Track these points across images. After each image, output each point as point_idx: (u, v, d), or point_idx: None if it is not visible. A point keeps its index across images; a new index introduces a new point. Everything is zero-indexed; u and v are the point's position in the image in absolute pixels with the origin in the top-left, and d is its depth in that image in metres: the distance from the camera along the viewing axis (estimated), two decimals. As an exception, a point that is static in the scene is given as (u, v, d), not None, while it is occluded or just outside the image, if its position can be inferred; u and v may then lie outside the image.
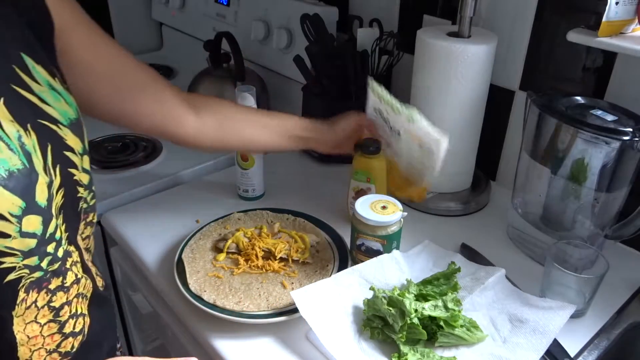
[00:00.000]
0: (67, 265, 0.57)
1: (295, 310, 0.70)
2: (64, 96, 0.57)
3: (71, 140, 0.56)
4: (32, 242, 0.50)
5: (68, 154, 0.56)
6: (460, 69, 0.87)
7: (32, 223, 0.50)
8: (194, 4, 1.57)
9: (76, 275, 0.58)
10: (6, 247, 0.48)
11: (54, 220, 0.53)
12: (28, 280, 0.52)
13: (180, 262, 0.81)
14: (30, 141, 0.51)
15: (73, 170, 0.57)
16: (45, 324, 0.55)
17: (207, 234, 0.87)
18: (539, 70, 0.94)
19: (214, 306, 0.73)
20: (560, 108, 0.78)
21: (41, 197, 0.50)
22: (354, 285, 0.75)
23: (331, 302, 0.72)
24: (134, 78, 0.72)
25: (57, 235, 0.54)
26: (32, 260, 0.51)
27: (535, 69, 0.94)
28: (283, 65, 1.30)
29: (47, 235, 0.52)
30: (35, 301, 0.53)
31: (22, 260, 0.50)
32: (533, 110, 0.81)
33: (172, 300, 0.79)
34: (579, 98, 0.81)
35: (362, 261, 0.79)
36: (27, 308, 0.53)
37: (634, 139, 0.71)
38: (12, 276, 0.50)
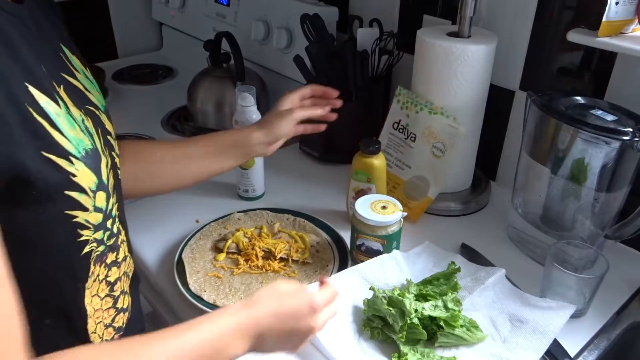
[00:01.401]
0: (119, 242, 0.61)
1: (295, 310, 0.70)
2: (95, 84, 0.61)
3: (108, 125, 0.61)
4: (100, 217, 0.54)
5: (109, 137, 0.61)
6: (460, 69, 0.87)
7: (101, 199, 0.54)
8: (194, 4, 1.57)
9: (124, 252, 0.63)
10: (85, 220, 0.52)
11: (111, 198, 0.57)
12: (95, 254, 0.56)
13: (180, 262, 0.81)
14: (89, 124, 0.54)
15: (114, 153, 0.61)
16: (103, 297, 0.59)
17: (207, 234, 0.87)
18: (539, 70, 0.94)
19: (214, 306, 0.73)
20: (560, 108, 0.78)
21: (104, 175, 0.55)
22: (354, 285, 0.75)
23: (331, 302, 0.72)
24: None
25: (114, 212, 0.58)
26: (99, 234, 0.55)
27: (535, 69, 0.94)
28: (283, 65, 1.30)
29: (108, 211, 0.56)
30: (98, 275, 0.57)
31: (93, 234, 0.54)
32: (533, 110, 0.81)
33: (172, 300, 0.79)
34: (579, 98, 0.81)
35: (362, 261, 0.79)
36: (94, 281, 0.57)
37: (634, 139, 0.71)
38: (87, 249, 0.54)
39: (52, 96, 0.49)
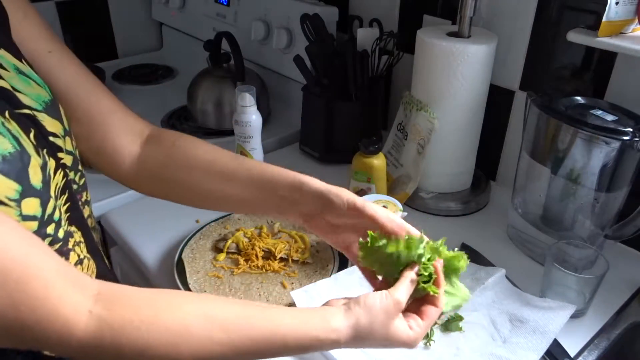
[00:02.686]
0: (70, 246, 0.56)
1: (295, 310, 0.70)
2: (33, 78, 0.55)
3: (50, 124, 0.55)
4: (33, 225, 0.49)
5: (52, 139, 0.55)
6: (460, 69, 0.87)
7: (31, 206, 0.49)
8: (194, 4, 1.57)
9: (79, 255, 0.57)
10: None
11: (52, 201, 0.52)
12: None
13: (180, 262, 0.81)
14: (13, 127, 0.50)
15: (59, 154, 0.56)
16: None
17: (207, 234, 0.87)
18: (539, 70, 0.94)
19: (214, 306, 0.73)
20: (560, 108, 0.78)
21: (35, 179, 0.49)
22: (354, 285, 0.75)
23: (331, 302, 0.72)
24: (77, 90, 0.64)
25: (56, 216, 0.53)
26: (50, 228, 0.51)
27: (535, 69, 0.94)
28: (283, 65, 1.30)
29: (46, 217, 0.51)
30: None
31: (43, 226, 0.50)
32: (533, 110, 0.81)
33: (172, 300, 0.78)
34: (579, 98, 0.81)
35: (362, 261, 0.79)
36: None
37: (634, 139, 0.71)
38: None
39: None
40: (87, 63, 0.68)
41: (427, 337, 0.69)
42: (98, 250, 0.62)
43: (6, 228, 0.41)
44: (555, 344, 0.69)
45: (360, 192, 0.90)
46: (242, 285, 0.77)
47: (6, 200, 0.46)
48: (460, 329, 0.70)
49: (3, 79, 0.52)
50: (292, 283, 0.78)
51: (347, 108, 1.10)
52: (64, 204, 0.55)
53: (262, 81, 1.30)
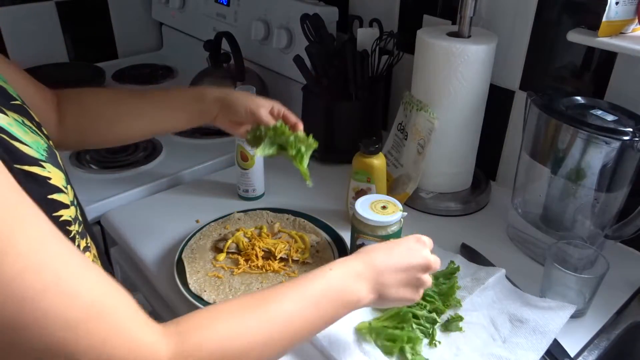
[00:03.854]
0: (84, 228, 0.60)
1: (295, 310, 0.70)
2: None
3: (34, 115, 0.57)
4: (74, 210, 0.54)
5: (43, 128, 0.57)
6: (460, 69, 0.87)
7: (71, 192, 0.54)
8: (194, 4, 1.57)
9: (87, 234, 0.62)
10: (69, 217, 0.52)
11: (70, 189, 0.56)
12: (79, 246, 0.56)
13: (180, 262, 0.81)
14: (27, 121, 0.53)
15: (50, 142, 0.56)
16: None
17: (207, 234, 0.87)
18: (539, 70, 0.94)
19: (214, 306, 0.73)
20: (560, 108, 0.78)
21: (64, 168, 0.55)
22: (354, 285, 0.75)
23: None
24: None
25: (76, 202, 0.58)
26: (77, 226, 0.55)
27: (535, 69, 0.94)
28: (283, 65, 1.30)
29: (76, 201, 0.57)
30: None
31: (75, 227, 0.54)
32: (533, 110, 0.81)
33: (172, 300, 0.79)
34: (579, 98, 0.81)
35: (362, 261, 0.79)
36: None
37: (634, 139, 0.71)
38: (75, 244, 0.54)
39: None
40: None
41: (432, 337, 0.69)
42: (89, 228, 0.66)
43: (92, 268, 0.41)
44: (555, 344, 0.69)
45: (360, 192, 0.90)
46: (242, 285, 0.77)
47: (62, 188, 0.51)
48: (460, 329, 0.71)
49: None
50: (292, 283, 0.78)
51: (347, 108, 1.10)
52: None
53: (262, 81, 1.30)
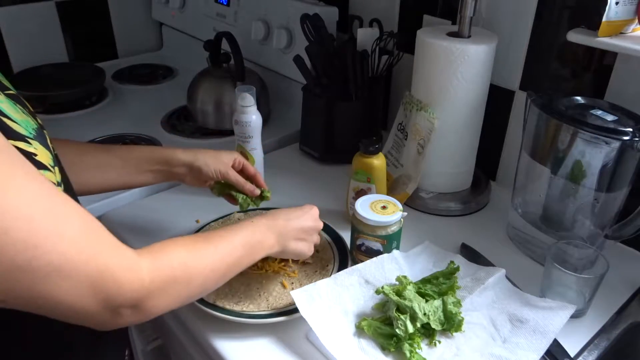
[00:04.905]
0: None
1: (295, 310, 0.70)
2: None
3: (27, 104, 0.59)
4: (61, 190, 0.56)
5: (36, 116, 0.58)
6: (460, 69, 0.87)
7: (58, 173, 0.56)
8: (194, 4, 1.57)
9: None
10: None
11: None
12: None
13: (180, 262, 0.81)
14: (19, 106, 0.55)
15: (44, 130, 0.59)
16: None
17: (207, 234, 0.87)
18: (539, 70, 0.94)
19: (214, 306, 0.73)
20: (560, 108, 0.78)
21: (52, 151, 0.57)
22: (354, 285, 0.75)
23: (331, 302, 0.72)
24: None
25: (64, 187, 0.59)
26: None
27: (535, 69, 0.94)
28: (283, 65, 1.30)
29: (62, 184, 0.58)
30: None
31: None
32: (533, 110, 0.81)
33: (172, 300, 0.78)
34: (579, 98, 0.81)
35: (362, 261, 0.79)
36: None
37: (634, 139, 0.71)
38: None
39: None
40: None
41: (432, 337, 0.69)
42: None
43: (72, 203, 0.49)
44: (555, 344, 0.69)
45: (360, 192, 0.90)
46: (242, 286, 0.77)
47: (49, 167, 0.53)
48: (460, 329, 0.70)
49: None
50: (292, 283, 0.78)
51: (347, 108, 1.10)
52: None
53: (262, 81, 1.30)
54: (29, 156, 0.50)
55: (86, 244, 0.48)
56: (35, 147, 0.52)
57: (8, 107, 0.52)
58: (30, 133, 0.52)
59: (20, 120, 0.52)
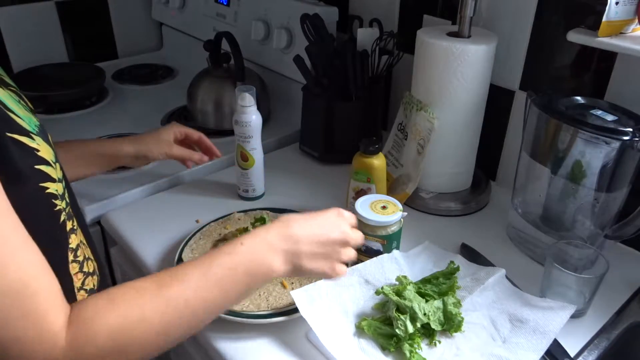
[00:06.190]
0: (72, 212, 0.62)
1: (295, 310, 0.70)
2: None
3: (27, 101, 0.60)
4: (62, 187, 0.57)
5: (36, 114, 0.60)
6: (460, 69, 0.87)
7: (59, 170, 0.57)
8: (194, 4, 1.57)
9: (74, 221, 0.64)
10: (55, 190, 0.54)
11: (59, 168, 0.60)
12: (65, 222, 0.58)
13: (180, 262, 0.81)
14: (23, 102, 0.56)
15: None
16: (70, 263, 0.60)
17: (207, 234, 0.87)
18: (539, 70, 0.94)
19: (214, 306, 0.73)
20: (560, 108, 0.78)
21: (53, 148, 0.57)
22: (354, 285, 0.75)
23: (331, 302, 0.72)
24: None
25: (64, 183, 0.60)
26: (63, 204, 0.58)
27: (535, 69, 0.94)
28: (283, 65, 1.30)
29: (64, 181, 0.59)
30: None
31: (61, 203, 0.56)
32: (533, 110, 0.81)
33: (172, 300, 0.79)
34: (579, 98, 0.81)
35: (362, 261, 0.79)
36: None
37: (634, 139, 0.71)
38: (61, 218, 0.57)
39: None
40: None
41: (432, 337, 0.69)
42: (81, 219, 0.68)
43: (29, 247, 0.45)
44: (555, 344, 0.69)
45: (360, 192, 0.90)
46: (242, 285, 0.77)
47: (51, 162, 0.54)
48: (460, 329, 0.70)
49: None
50: (292, 283, 0.78)
51: (347, 108, 1.10)
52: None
53: (262, 81, 1.30)
54: (32, 151, 0.51)
55: (2, 305, 0.42)
56: (38, 143, 0.52)
57: (12, 103, 0.52)
58: (33, 129, 0.53)
59: (24, 115, 0.52)
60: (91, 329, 0.47)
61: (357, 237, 0.62)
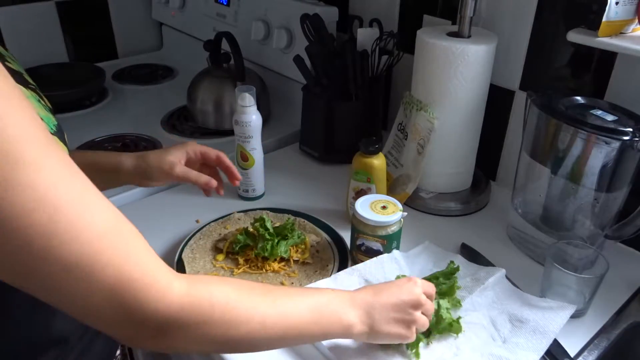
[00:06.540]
0: None
1: (295, 310, 0.70)
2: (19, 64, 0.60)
3: (45, 100, 0.60)
4: None
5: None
6: (460, 69, 0.87)
7: None
8: (194, 4, 1.57)
9: None
10: None
11: None
12: None
13: (180, 262, 0.81)
14: (43, 101, 0.55)
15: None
16: None
17: (207, 234, 0.87)
18: (539, 70, 0.94)
19: (214, 306, 0.73)
20: (560, 108, 0.78)
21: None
22: (354, 285, 0.75)
23: (331, 302, 0.72)
24: None
25: None
26: None
27: (535, 69, 0.94)
28: (283, 65, 1.30)
29: None
30: None
31: None
32: (533, 110, 0.81)
33: (172, 300, 0.78)
34: (579, 98, 0.81)
35: (362, 261, 0.79)
36: None
37: (634, 139, 0.71)
38: None
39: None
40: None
41: (429, 336, 0.69)
42: None
43: (105, 199, 0.46)
44: (555, 344, 0.69)
45: (360, 192, 0.90)
46: (242, 285, 0.77)
47: None
48: (460, 331, 0.70)
49: (9, 62, 0.56)
50: (292, 283, 0.78)
51: (347, 108, 1.10)
52: None
53: (262, 81, 1.30)
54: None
55: (109, 245, 0.43)
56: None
57: (33, 102, 0.52)
58: (52, 129, 0.52)
59: (44, 116, 0.52)
60: (209, 288, 0.48)
61: (430, 304, 0.63)
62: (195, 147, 0.81)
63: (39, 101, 0.54)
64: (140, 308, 0.43)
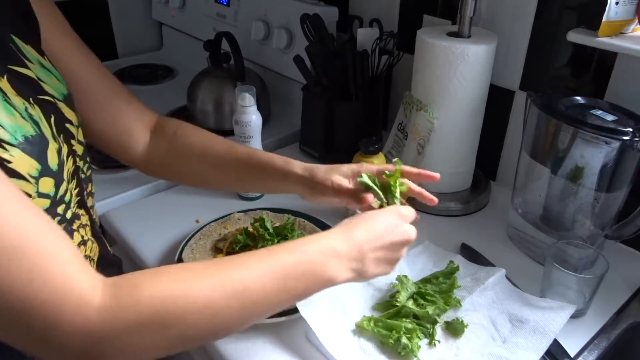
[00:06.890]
0: (74, 227, 0.60)
1: (295, 310, 0.70)
2: (53, 73, 0.61)
3: (68, 113, 0.61)
4: (46, 203, 0.54)
5: (68, 125, 0.60)
6: (460, 69, 0.87)
7: (47, 185, 0.53)
8: (194, 4, 1.57)
9: (83, 237, 0.62)
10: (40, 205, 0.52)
11: (64, 183, 0.57)
12: None
13: (180, 262, 0.81)
14: (36, 112, 0.55)
15: (72, 141, 0.61)
16: None
17: (207, 234, 0.87)
18: (539, 70, 0.94)
19: (214, 306, 0.73)
20: (560, 108, 0.78)
21: (52, 161, 0.54)
22: (354, 285, 0.75)
23: (331, 302, 0.72)
24: (101, 85, 0.72)
25: (67, 198, 0.58)
26: (59, 210, 0.56)
27: (535, 69, 0.94)
28: (283, 65, 1.30)
29: (58, 197, 0.55)
30: None
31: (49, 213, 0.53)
32: (533, 110, 0.81)
33: (172, 300, 0.78)
34: (579, 98, 0.81)
35: (362, 261, 0.79)
36: None
37: (634, 139, 0.71)
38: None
39: None
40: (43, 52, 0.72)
41: (431, 337, 0.69)
42: (100, 235, 0.68)
43: (29, 211, 0.43)
44: (555, 344, 0.69)
45: (360, 192, 0.90)
46: (242, 285, 0.77)
47: (28, 177, 0.51)
48: (462, 333, 0.70)
49: (29, 69, 0.57)
50: (292, 283, 0.78)
51: (347, 108, 1.10)
52: (75, 188, 0.60)
53: (262, 81, 1.30)
54: (1, 162, 0.48)
55: (6, 267, 0.39)
56: (13, 155, 0.49)
57: (42, 74, 0.54)
58: (15, 139, 0.50)
59: (10, 125, 0.50)
60: (133, 295, 0.44)
61: (415, 231, 0.61)
62: (369, 166, 0.72)
63: (11, 107, 0.51)
64: (53, 331, 0.40)
